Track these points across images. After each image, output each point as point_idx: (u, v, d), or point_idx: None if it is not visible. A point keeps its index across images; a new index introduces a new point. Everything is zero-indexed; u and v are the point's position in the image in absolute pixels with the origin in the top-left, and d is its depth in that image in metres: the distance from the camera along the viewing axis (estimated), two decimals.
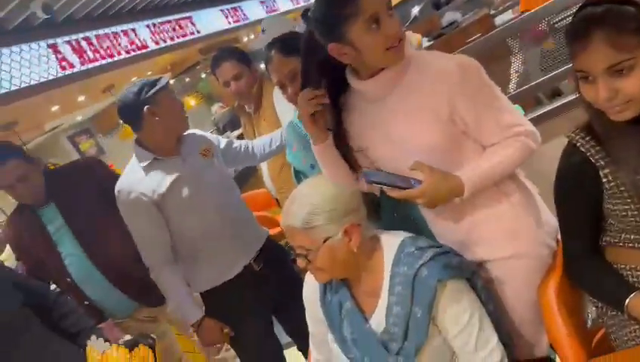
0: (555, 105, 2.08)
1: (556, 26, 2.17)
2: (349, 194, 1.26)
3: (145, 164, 1.90)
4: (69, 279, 2.16)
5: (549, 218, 1.36)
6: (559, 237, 1.33)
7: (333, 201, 1.23)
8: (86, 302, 2.16)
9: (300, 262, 1.28)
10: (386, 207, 1.52)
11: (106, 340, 1.60)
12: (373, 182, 1.20)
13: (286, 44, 1.60)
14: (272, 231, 3.30)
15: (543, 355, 1.38)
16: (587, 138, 1.14)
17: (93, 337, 1.60)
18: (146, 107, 1.85)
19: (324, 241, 1.23)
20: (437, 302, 1.21)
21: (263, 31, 2.89)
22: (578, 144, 1.15)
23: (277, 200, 2.69)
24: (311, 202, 1.23)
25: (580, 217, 1.22)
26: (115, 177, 2.04)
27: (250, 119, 2.61)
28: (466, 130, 1.24)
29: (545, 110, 2.10)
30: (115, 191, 1.92)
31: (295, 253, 1.28)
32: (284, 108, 2.29)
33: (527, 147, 1.22)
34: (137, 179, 1.89)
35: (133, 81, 1.90)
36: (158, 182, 1.88)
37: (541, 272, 1.33)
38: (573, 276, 1.28)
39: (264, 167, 2.64)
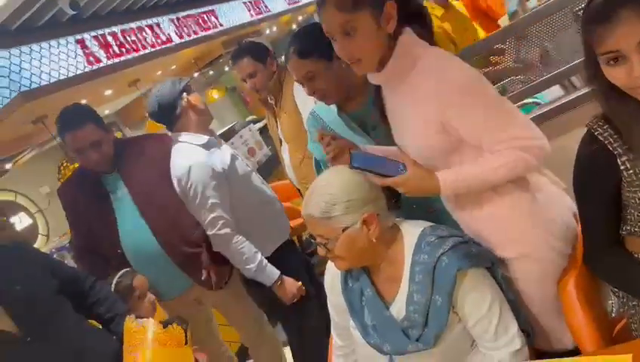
0: (580, 94, 2.05)
1: (580, 13, 2.13)
2: (368, 185, 1.28)
3: (202, 142, 2.08)
4: (119, 250, 2.14)
5: (563, 218, 1.35)
6: (579, 232, 1.33)
7: (351, 192, 1.26)
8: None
9: (321, 251, 1.31)
10: (405, 198, 1.53)
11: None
12: (356, 168, 1.25)
13: (303, 46, 1.61)
14: (294, 223, 3.37)
15: (565, 348, 1.38)
16: (605, 126, 1.14)
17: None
18: (184, 94, 2.08)
19: (343, 231, 1.25)
20: (457, 291, 1.22)
21: None
22: (597, 133, 1.14)
23: (299, 190, 2.72)
24: (329, 192, 1.26)
25: (599, 206, 1.21)
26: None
27: (272, 111, 2.64)
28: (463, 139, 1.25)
29: (569, 98, 2.07)
30: (183, 168, 2.02)
31: (316, 241, 1.31)
32: (304, 100, 2.33)
33: (524, 161, 1.20)
34: (203, 154, 2.05)
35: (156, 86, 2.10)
36: (221, 158, 2.09)
37: (553, 274, 1.33)
38: (594, 266, 1.28)
39: (286, 158, 2.68)
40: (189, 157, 2.03)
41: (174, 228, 2.12)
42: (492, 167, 1.22)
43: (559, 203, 1.37)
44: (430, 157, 1.29)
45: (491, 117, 1.21)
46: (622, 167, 1.12)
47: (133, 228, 2.13)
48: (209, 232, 2.06)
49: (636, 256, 1.22)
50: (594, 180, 1.18)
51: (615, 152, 1.12)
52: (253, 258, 2.07)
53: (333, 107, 1.69)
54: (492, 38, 2.38)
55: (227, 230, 2.05)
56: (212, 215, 2.03)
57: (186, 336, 1.62)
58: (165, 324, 1.62)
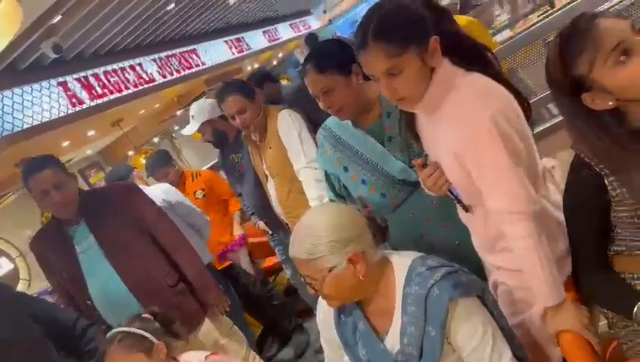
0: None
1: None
2: (352, 223, 1.29)
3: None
4: (88, 301, 2.13)
5: (562, 247, 1.34)
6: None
7: (335, 231, 1.26)
8: (103, 327, 2.12)
9: (310, 290, 1.31)
10: (394, 226, 1.55)
11: None
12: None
13: (321, 60, 1.64)
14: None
15: None
16: None
17: None
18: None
19: (330, 271, 1.25)
20: (450, 321, 1.22)
21: (192, 117, 3.08)
22: (582, 154, 1.17)
23: (287, 224, 2.72)
24: (313, 233, 1.26)
25: (588, 228, 1.23)
26: (151, 205, 2.15)
27: (256, 147, 2.66)
28: None
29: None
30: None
31: (305, 281, 1.31)
32: (288, 133, 2.37)
33: (529, 232, 1.22)
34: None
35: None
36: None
37: None
38: (584, 287, 1.29)
39: (273, 193, 2.68)
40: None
41: (145, 274, 2.12)
42: (525, 256, 1.24)
43: (562, 233, 1.35)
44: (459, 184, 1.32)
45: (493, 178, 1.23)
46: (609, 187, 1.14)
47: (102, 278, 2.12)
48: None
49: (624, 275, 1.23)
50: (583, 202, 1.21)
51: (602, 173, 1.14)
52: None
53: (347, 121, 1.70)
54: None
55: None
56: None
57: None
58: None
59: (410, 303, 1.26)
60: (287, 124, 2.38)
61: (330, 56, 1.64)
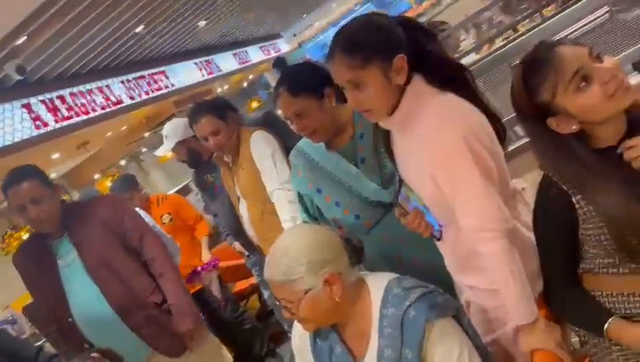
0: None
1: None
2: (328, 244, 1.28)
3: None
4: (70, 319, 2.05)
5: (534, 267, 1.35)
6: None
7: (311, 253, 1.25)
8: (86, 346, 2.04)
9: (286, 313, 1.29)
10: (368, 248, 1.55)
11: None
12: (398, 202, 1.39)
13: (294, 83, 1.64)
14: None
15: None
16: None
17: None
18: None
19: (306, 293, 1.24)
20: (426, 342, 1.22)
21: (165, 137, 3.07)
22: (550, 173, 1.20)
23: (259, 247, 2.69)
24: (289, 255, 1.25)
25: (557, 246, 1.25)
26: (138, 220, 2.12)
27: (228, 168, 2.63)
28: None
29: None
30: None
31: (280, 304, 1.29)
32: (261, 155, 2.36)
33: (501, 248, 1.23)
34: None
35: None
36: None
37: None
38: (555, 306, 1.31)
39: (245, 214, 2.65)
40: None
41: (129, 291, 2.05)
42: (498, 273, 1.25)
43: (533, 253, 1.36)
44: (431, 204, 1.33)
45: (466, 196, 1.24)
46: (577, 206, 1.17)
47: (83, 294, 2.04)
48: None
49: (593, 293, 1.26)
50: (552, 220, 1.23)
51: (570, 191, 1.17)
52: None
53: (320, 143, 1.70)
54: None
55: None
56: None
57: None
58: None
59: (386, 325, 1.25)
60: (261, 145, 2.38)
61: (303, 79, 1.65)
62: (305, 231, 1.32)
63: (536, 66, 1.13)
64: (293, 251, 1.26)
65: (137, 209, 3.10)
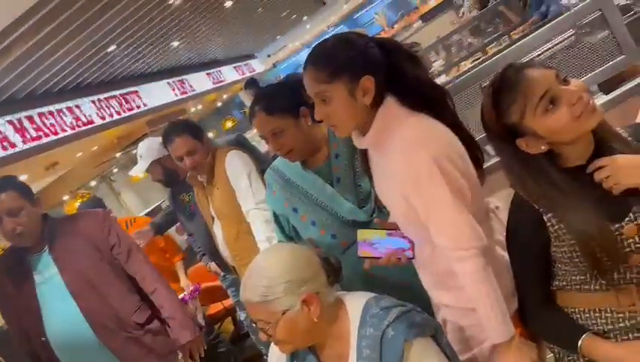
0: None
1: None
2: (306, 263, 1.28)
3: None
4: (43, 338, 1.96)
5: (508, 285, 1.36)
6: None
7: (288, 273, 1.24)
8: None
9: (262, 336, 1.27)
10: (346, 267, 1.55)
11: None
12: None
13: (270, 102, 1.64)
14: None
15: None
16: None
17: None
18: None
19: (283, 314, 1.22)
20: None
21: (140, 156, 3.04)
22: (520, 193, 1.22)
23: (234, 267, 2.65)
24: (267, 275, 1.24)
25: (531, 264, 1.27)
26: (124, 236, 2.06)
27: (202, 188, 2.61)
28: None
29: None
30: None
31: (257, 326, 1.27)
32: (237, 174, 2.34)
33: (475, 267, 1.25)
34: None
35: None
36: None
37: None
38: (530, 323, 1.32)
39: (219, 235, 2.62)
40: None
41: (111, 310, 1.98)
42: (474, 292, 1.25)
43: (507, 271, 1.37)
44: (405, 222, 1.35)
45: (438, 216, 1.25)
46: (548, 224, 1.19)
47: (61, 312, 1.96)
48: None
49: (566, 309, 1.27)
50: (525, 238, 1.25)
51: (541, 210, 1.19)
52: None
53: (295, 162, 1.70)
54: None
55: None
56: None
57: None
58: None
59: (365, 346, 1.24)
60: (236, 164, 2.36)
61: (279, 98, 1.66)
62: (282, 251, 1.30)
63: (505, 89, 1.16)
64: (270, 271, 1.24)
65: None
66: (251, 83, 6.72)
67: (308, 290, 1.24)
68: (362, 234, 1.39)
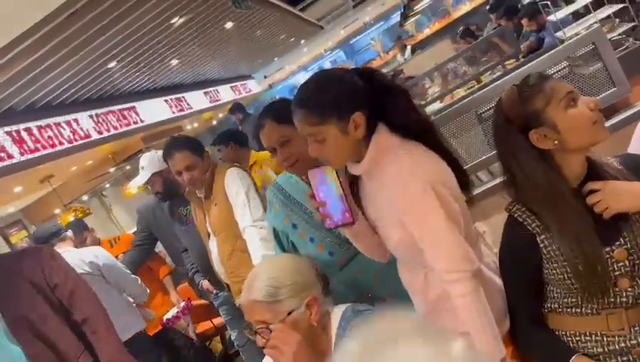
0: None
1: (483, 115, 2.40)
2: (307, 269, 1.32)
3: None
4: None
5: (500, 306, 1.39)
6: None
7: (295, 274, 1.28)
8: None
9: (260, 340, 1.27)
10: (340, 285, 1.60)
11: None
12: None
13: (280, 112, 1.67)
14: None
15: None
16: (523, 208, 1.25)
17: None
18: None
19: (289, 314, 1.25)
20: None
21: (141, 168, 3.08)
22: (516, 215, 1.26)
23: (227, 285, 2.66)
24: (274, 276, 1.27)
25: (523, 285, 1.30)
26: (68, 273, 1.95)
27: (200, 204, 2.63)
28: None
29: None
30: None
31: (254, 330, 1.28)
32: (236, 191, 2.36)
33: (465, 290, 1.26)
34: None
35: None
36: None
37: None
38: (521, 344, 1.35)
39: (214, 251, 2.63)
40: None
41: (55, 353, 1.87)
42: (466, 313, 1.27)
43: (498, 294, 1.40)
44: (400, 247, 1.38)
45: (433, 239, 1.28)
46: (541, 245, 1.23)
47: (2, 358, 1.85)
48: None
49: (557, 332, 1.30)
50: (517, 260, 1.28)
51: (534, 231, 1.23)
52: None
53: (295, 179, 1.73)
54: None
55: None
56: None
57: None
58: None
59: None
60: (235, 181, 2.39)
61: (287, 109, 1.70)
62: (286, 257, 1.36)
63: (533, 81, 1.23)
64: (279, 272, 1.28)
65: (97, 247, 3.06)
66: (237, 108, 6.87)
67: (311, 293, 1.28)
68: (329, 171, 1.37)
